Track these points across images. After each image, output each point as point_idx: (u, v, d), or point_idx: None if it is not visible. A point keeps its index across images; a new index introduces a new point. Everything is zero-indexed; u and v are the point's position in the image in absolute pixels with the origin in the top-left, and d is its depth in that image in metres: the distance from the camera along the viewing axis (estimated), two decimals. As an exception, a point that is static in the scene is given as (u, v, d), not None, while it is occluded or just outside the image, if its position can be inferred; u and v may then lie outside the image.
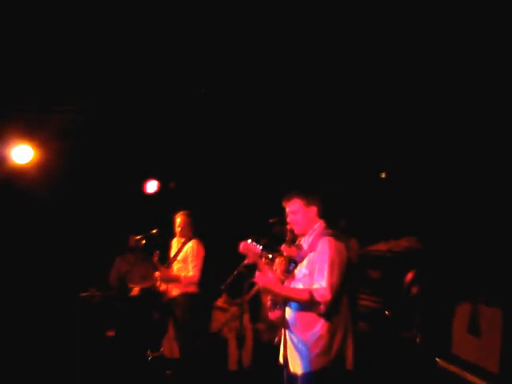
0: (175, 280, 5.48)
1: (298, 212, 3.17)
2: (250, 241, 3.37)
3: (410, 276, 4.33)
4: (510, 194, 3.78)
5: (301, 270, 3.08)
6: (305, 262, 3.07)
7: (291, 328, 3.02)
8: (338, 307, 2.93)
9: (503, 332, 3.27)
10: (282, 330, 3.03)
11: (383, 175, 5.57)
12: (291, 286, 3.12)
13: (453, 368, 3.59)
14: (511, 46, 3.51)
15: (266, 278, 3.08)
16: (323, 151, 5.71)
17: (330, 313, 2.90)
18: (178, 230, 5.63)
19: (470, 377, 3.40)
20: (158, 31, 4.30)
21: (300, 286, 3.04)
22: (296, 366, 2.97)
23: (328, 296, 2.85)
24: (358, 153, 5.50)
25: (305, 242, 3.17)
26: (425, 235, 4.49)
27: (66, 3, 3.90)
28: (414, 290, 4.26)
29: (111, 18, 4.12)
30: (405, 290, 4.30)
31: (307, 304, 2.92)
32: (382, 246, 4.74)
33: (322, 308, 2.88)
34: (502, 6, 3.34)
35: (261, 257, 3.29)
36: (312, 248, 3.06)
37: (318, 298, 2.87)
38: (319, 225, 3.17)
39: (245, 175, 6.46)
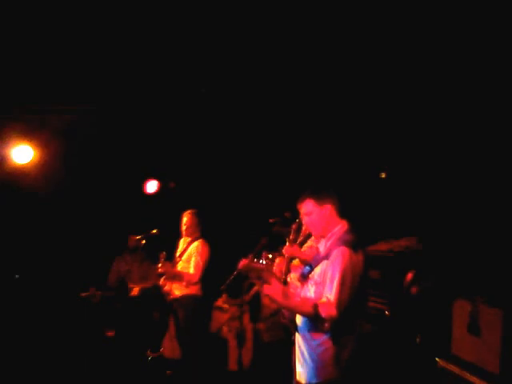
0: (177, 275, 5.41)
1: (311, 213, 2.96)
2: (249, 259, 3.23)
3: (409, 276, 4.32)
4: (509, 194, 3.78)
5: (314, 276, 2.91)
6: (318, 269, 2.87)
7: (300, 335, 2.91)
8: (348, 321, 2.74)
9: (503, 332, 3.27)
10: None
11: (383, 175, 5.57)
12: (303, 290, 2.98)
13: (453, 368, 3.59)
14: (511, 46, 3.51)
15: (271, 288, 2.87)
16: (323, 151, 5.71)
17: (340, 326, 2.72)
18: (183, 228, 5.57)
19: (469, 377, 3.41)
20: (157, 32, 4.31)
21: (311, 290, 2.89)
22: (301, 375, 2.87)
23: (334, 312, 2.63)
24: (358, 153, 5.50)
25: (322, 246, 2.97)
26: (425, 235, 4.48)
27: (66, 3, 3.90)
28: (414, 290, 4.26)
29: (111, 19, 4.12)
30: (405, 290, 4.29)
31: (312, 319, 2.75)
32: (382, 246, 4.73)
33: (327, 325, 2.71)
34: (501, 5, 3.34)
35: (267, 270, 3.17)
36: (328, 255, 2.83)
37: (322, 313, 2.67)
38: (340, 228, 2.92)
39: (245, 175, 6.46)
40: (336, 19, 3.98)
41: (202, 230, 5.64)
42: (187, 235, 5.59)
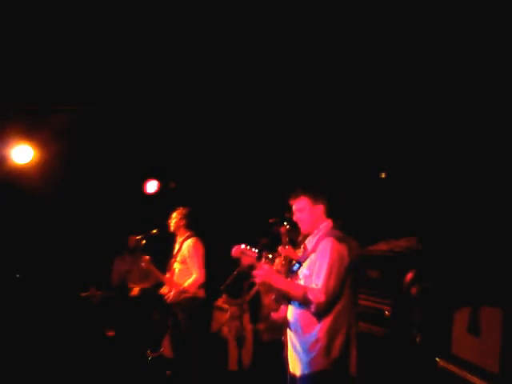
0: (184, 292, 5.22)
1: (304, 210, 3.10)
2: (243, 246, 3.27)
3: (409, 276, 4.33)
4: (509, 193, 3.78)
5: (302, 270, 3.03)
6: (306, 263, 3.02)
7: (292, 329, 2.99)
8: (337, 310, 2.85)
9: (503, 332, 3.27)
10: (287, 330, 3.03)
11: (383, 175, 5.56)
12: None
13: (453, 368, 3.59)
14: (511, 46, 3.51)
15: (263, 270, 3.01)
16: (323, 151, 5.71)
17: (329, 315, 2.83)
18: (171, 224, 5.49)
19: (470, 377, 3.40)
20: (158, 31, 4.31)
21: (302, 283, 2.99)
22: (295, 368, 2.96)
23: (322, 298, 2.78)
24: (358, 153, 5.50)
25: (309, 243, 3.10)
26: (425, 235, 4.48)
27: (66, 3, 3.91)
28: (414, 290, 4.26)
29: (112, 19, 4.12)
30: (405, 290, 4.30)
31: (301, 301, 2.88)
32: (382, 246, 4.73)
33: (313, 308, 2.81)
34: (501, 5, 3.34)
35: (258, 259, 3.24)
36: (315, 249, 2.99)
37: (310, 297, 2.81)
38: (326, 225, 3.09)
39: (245, 175, 6.46)
40: (336, 19, 3.98)
41: (194, 228, 5.57)
42: (177, 233, 5.51)
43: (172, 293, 5.25)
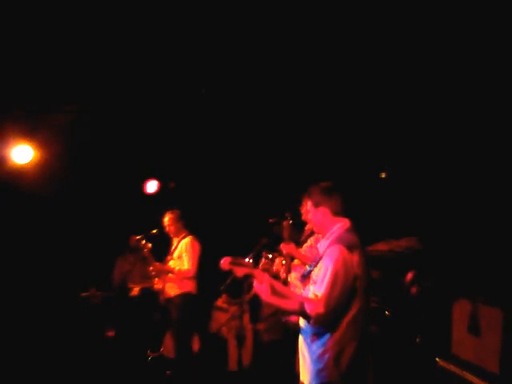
0: (169, 273, 5.48)
1: (309, 211, 3.02)
2: (231, 258, 3.07)
3: (410, 276, 4.33)
4: (509, 193, 3.78)
5: (312, 276, 2.89)
6: (317, 269, 2.86)
7: (303, 336, 2.89)
8: (347, 320, 2.70)
9: (503, 332, 3.27)
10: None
11: (383, 175, 5.56)
12: (304, 291, 2.97)
13: (453, 368, 3.59)
14: (511, 46, 3.51)
15: (258, 287, 2.87)
16: (323, 151, 5.71)
17: (339, 326, 2.69)
18: (167, 230, 5.64)
19: (470, 377, 3.41)
20: (158, 31, 4.31)
21: (311, 290, 2.84)
22: (304, 376, 2.88)
23: (320, 309, 2.62)
24: (358, 153, 5.50)
25: (321, 246, 2.95)
26: (425, 235, 4.48)
27: (65, 3, 3.91)
28: (414, 290, 4.26)
29: (112, 19, 4.12)
30: (405, 290, 4.30)
31: (299, 315, 2.77)
32: (382, 246, 4.73)
33: (311, 321, 2.68)
34: (501, 5, 3.34)
35: (253, 267, 3.13)
36: (325, 253, 2.84)
37: (308, 310, 2.66)
38: (340, 226, 2.89)
39: (245, 175, 6.46)
40: (336, 19, 3.98)
41: (188, 227, 5.69)
42: (174, 235, 5.66)
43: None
